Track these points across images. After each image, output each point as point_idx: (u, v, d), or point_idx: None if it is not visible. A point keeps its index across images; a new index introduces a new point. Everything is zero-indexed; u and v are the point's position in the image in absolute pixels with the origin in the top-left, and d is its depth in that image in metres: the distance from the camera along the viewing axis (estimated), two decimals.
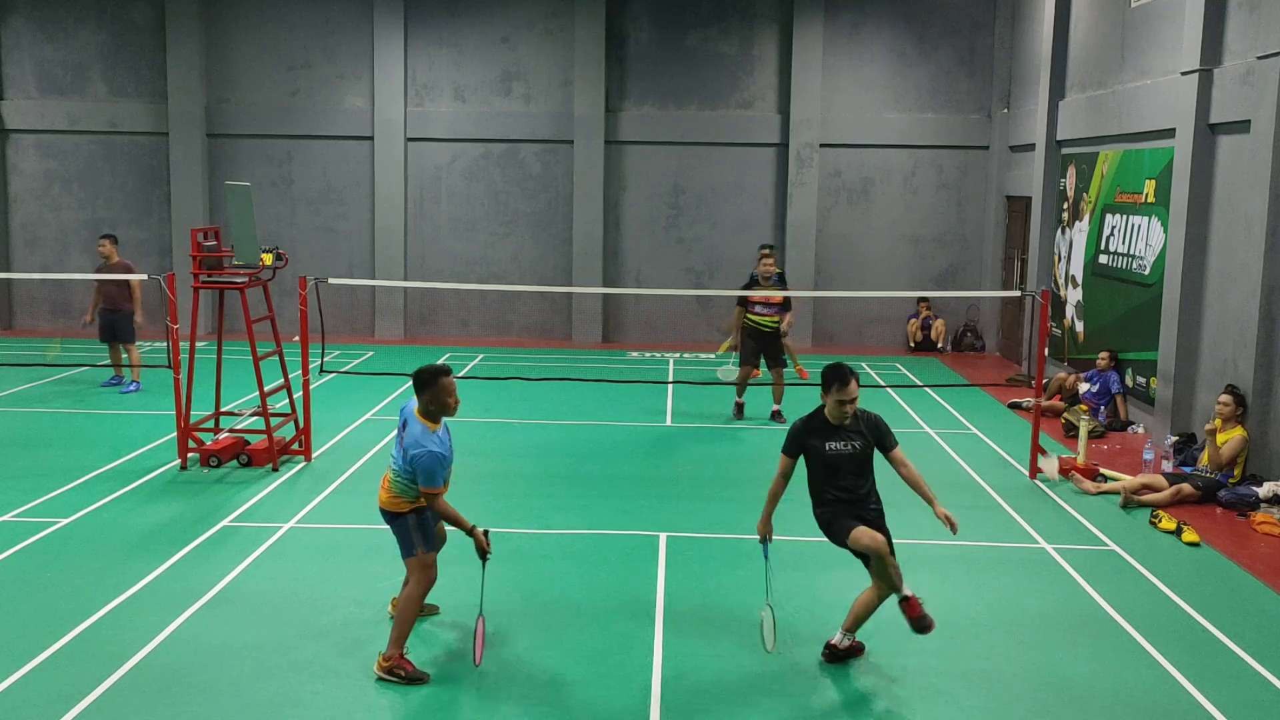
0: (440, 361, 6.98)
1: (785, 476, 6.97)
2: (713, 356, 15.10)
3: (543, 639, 7.25)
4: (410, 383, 6.82)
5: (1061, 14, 16.46)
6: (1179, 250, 12.37)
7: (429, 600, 7.38)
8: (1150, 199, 13.46)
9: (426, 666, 6.74)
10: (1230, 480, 10.56)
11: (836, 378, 6.91)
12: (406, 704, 6.36)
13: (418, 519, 6.78)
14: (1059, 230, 16.66)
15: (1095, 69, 15.43)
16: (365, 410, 13.74)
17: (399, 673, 6.58)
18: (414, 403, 6.73)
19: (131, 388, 15.05)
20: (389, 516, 6.81)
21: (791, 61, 19.79)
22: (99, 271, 15.24)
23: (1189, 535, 9.37)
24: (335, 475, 10.99)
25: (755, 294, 13.29)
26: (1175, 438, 11.84)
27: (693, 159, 20.30)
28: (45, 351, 15.45)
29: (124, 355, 15.28)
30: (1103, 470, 11.40)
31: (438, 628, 7.43)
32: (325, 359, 13.93)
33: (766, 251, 13.98)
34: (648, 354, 18.93)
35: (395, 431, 6.94)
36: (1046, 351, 11.64)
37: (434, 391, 6.61)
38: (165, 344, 14.52)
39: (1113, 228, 14.59)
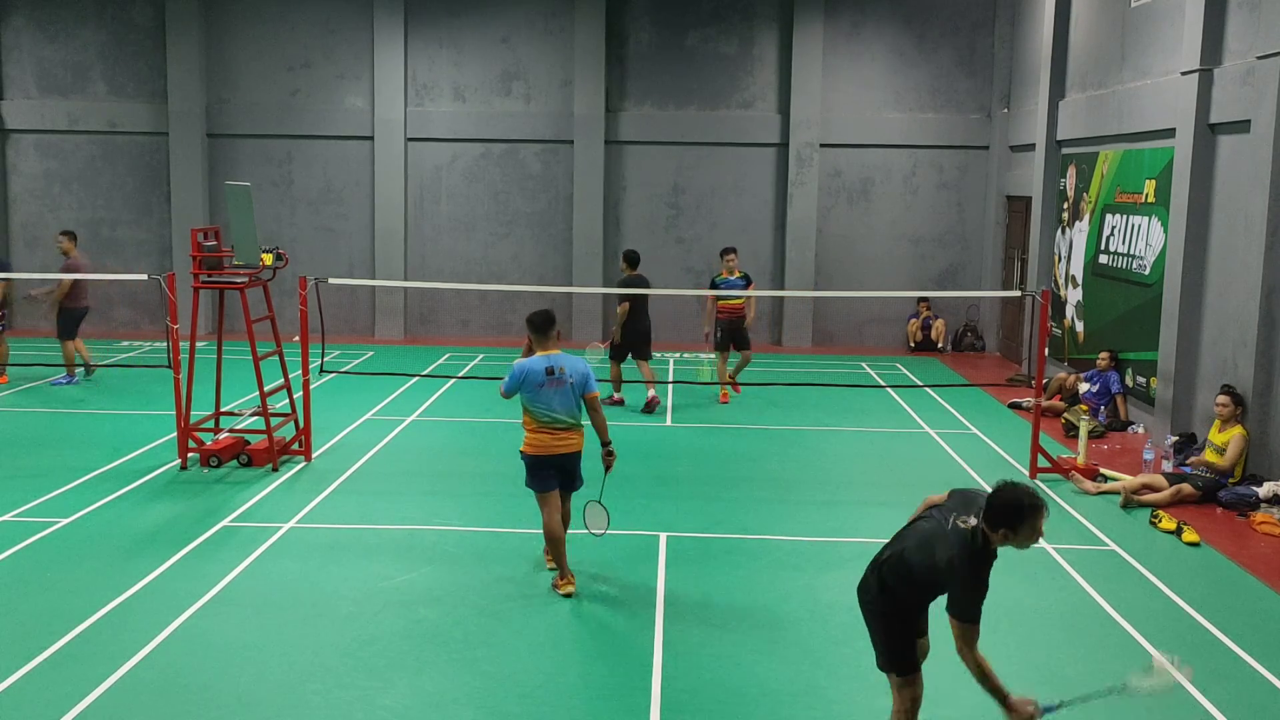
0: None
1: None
2: (713, 356, 15.17)
3: (543, 639, 7.25)
4: (534, 327, 7.86)
5: (1061, 14, 16.46)
6: (1179, 250, 12.37)
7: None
8: (1150, 199, 13.46)
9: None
10: (1230, 480, 10.56)
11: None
12: (407, 704, 6.36)
13: (608, 452, 7.95)
14: (1059, 230, 16.66)
15: (1095, 69, 15.43)
16: (365, 410, 13.74)
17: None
18: (537, 359, 7.74)
19: (62, 381, 15.23)
20: (580, 455, 7.87)
21: (791, 61, 19.79)
22: (67, 269, 15.31)
23: (1189, 535, 9.37)
24: (335, 475, 10.99)
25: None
26: (1175, 438, 11.84)
27: (693, 159, 20.30)
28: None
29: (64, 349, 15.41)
30: (1103, 470, 11.40)
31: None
32: (325, 359, 13.93)
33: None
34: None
35: (540, 386, 7.71)
36: (1046, 351, 11.64)
37: (556, 325, 7.90)
38: (165, 344, 14.52)
39: (1113, 228, 14.59)
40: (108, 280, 15.63)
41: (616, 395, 14.65)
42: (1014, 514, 4.85)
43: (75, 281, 15.36)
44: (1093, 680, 6.76)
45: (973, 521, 5.01)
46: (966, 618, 4.96)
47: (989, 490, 4.99)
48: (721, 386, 14.82)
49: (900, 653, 5.47)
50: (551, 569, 8.26)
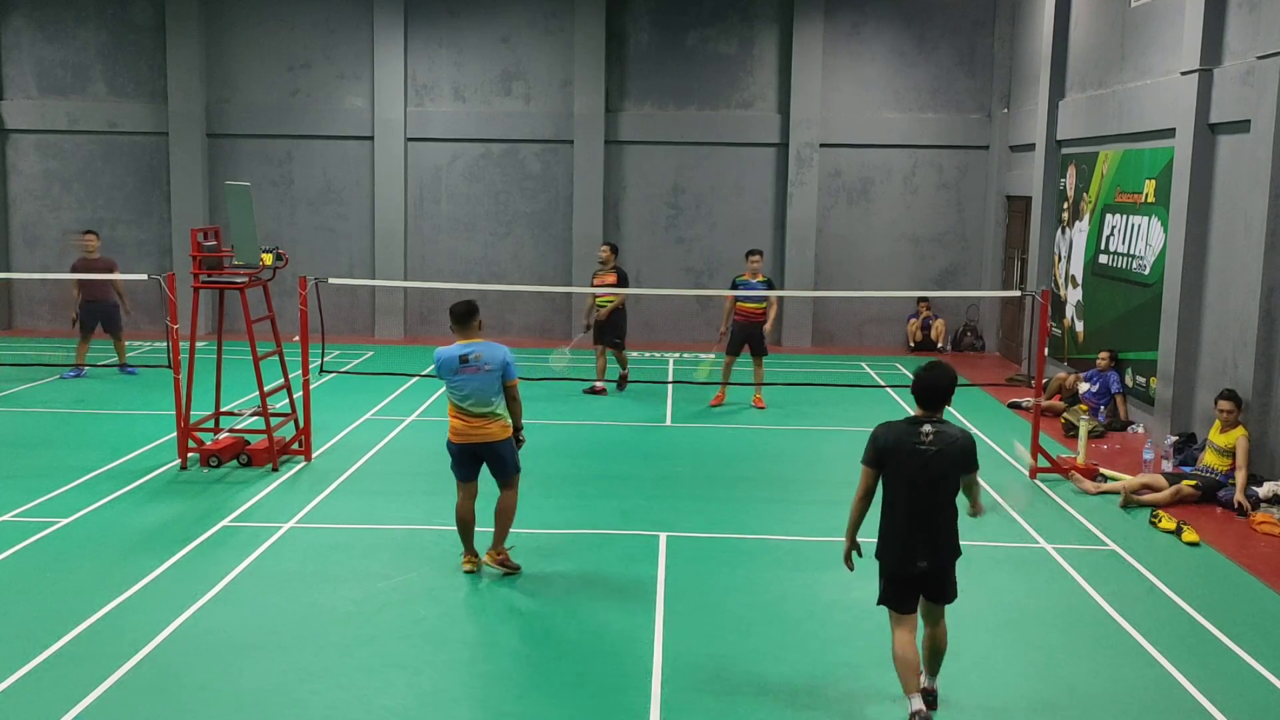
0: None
1: None
2: (713, 356, 15.18)
3: (542, 639, 7.25)
4: (456, 319, 8.11)
5: (1061, 14, 16.46)
6: (1179, 250, 12.37)
7: (454, 550, 8.53)
8: (1150, 199, 13.45)
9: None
10: (1230, 481, 10.55)
11: None
12: (406, 703, 6.36)
13: (513, 441, 8.09)
14: (1059, 230, 16.66)
15: (1095, 69, 15.43)
16: (365, 410, 13.74)
17: (509, 564, 8.17)
18: (453, 348, 7.95)
19: (71, 374, 15.54)
20: (498, 446, 7.97)
21: (791, 61, 19.79)
22: (78, 265, 15.67)
23: (1189, 535, 9.37)
24: (335, 475, 10.99)
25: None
26: (1175, 438, 11.84)
27: (693, 159, 20.30)
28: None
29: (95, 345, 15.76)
30: (1103, 470, 11.40)
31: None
32: (325, 359, 13.93)
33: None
34: (648, 354, 18.91)
35: (455, 373, 7.91)
36: (1046, 351, 11.64)
37: (478, 316, 8.10)
38: (165, 344, 14.54)
39: (1113, 228, 14.59)
40: (107, 280, 15.63)
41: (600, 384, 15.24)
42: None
43: (79, 280, 15.58)
44: (1092, 680, 6.77)
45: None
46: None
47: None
48: (720, 387, 14.66)
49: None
50: (486, 566, 8.32)
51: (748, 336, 14.35)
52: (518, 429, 8.13)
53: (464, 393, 7.90)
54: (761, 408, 14.40)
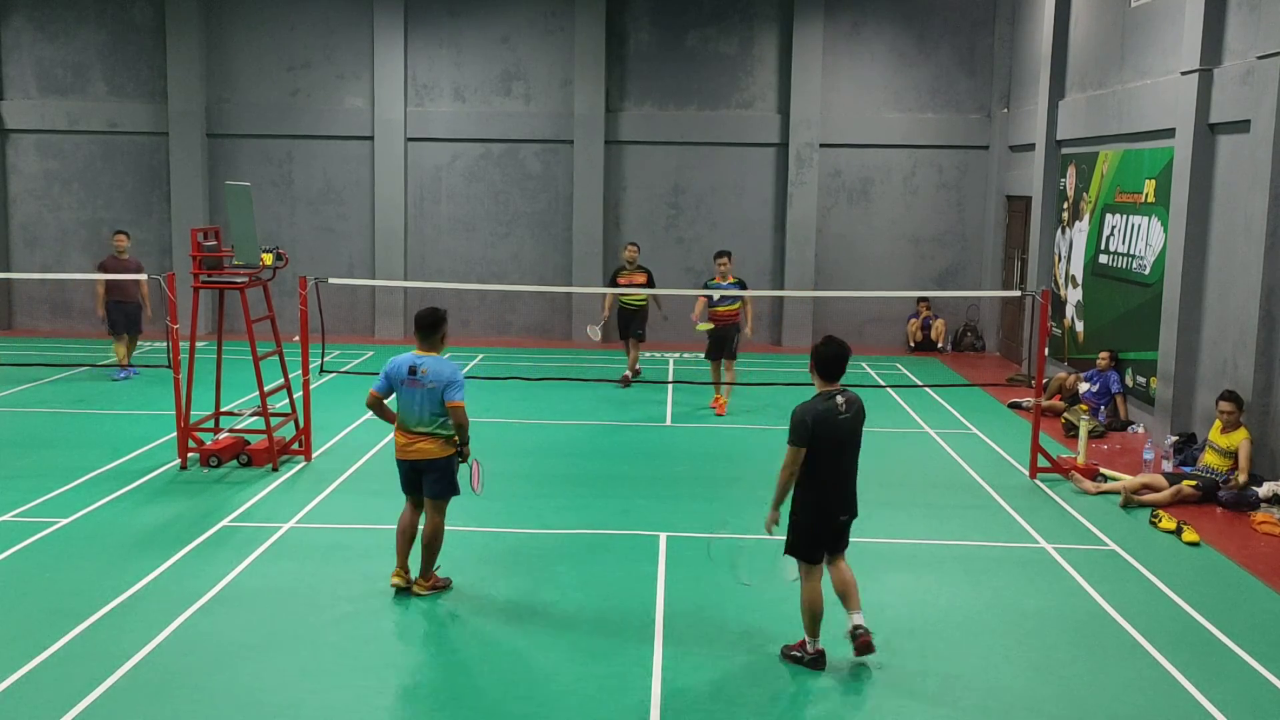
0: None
1: None
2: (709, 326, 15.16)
3: (542, 639, 7.25)
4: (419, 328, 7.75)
5: (1061, 14, 16.46)
6: (1179, 250, 12.37)
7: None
8: (1150, 199, 13.45)
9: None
10: (1231, 481, 10.55)
11: None
12: (406, 704, 6.36)
13: (456, 461, 7.78)
14: (1059, 230, 16.66)
15: (1095, 69, 15.43)
16: (365, 410, 13.70)
17: (440, 586, 7.89)
18: (408, 356, 7.64)
19: (121, 375, 15.53)
20: (436, 464, 7.65)
21: (791, 61, 19.79)
22: (108, 264, 15.62)
23: (1189, 535, 9.37)
24: (335, 475, 10.99)
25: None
26: (1175, 438, 11.84)
27: (693, 159, 20.30)
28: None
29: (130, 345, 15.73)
30: (1103, 470, 11.40)
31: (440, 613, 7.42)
32: (325, 359, 13.93)
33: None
34: (647, 354, 18.91)
35: (402, 383, 7.65)
36: (1046, 351, 11.64)
37: (444, 328, 7.73)
38: (165, 344, 14.54)
39: (1113, 228, 14.59)
40: (133, 281, 15.63)
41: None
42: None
43: (109, 279, 15.56)
44: (1092, 680, 6.77)
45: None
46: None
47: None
48: (716, 395, 14.39)
49: None
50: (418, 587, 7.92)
51: (721, 339, 14.24)
52: (462, 442, 7.76)
53: (404, 406, 7.64)
54: (721, 415, 13.98)
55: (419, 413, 7.59)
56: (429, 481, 7.75)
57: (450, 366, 7.61)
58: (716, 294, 14.11)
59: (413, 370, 7.58)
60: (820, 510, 6.74)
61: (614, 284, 15.66)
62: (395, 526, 8.10)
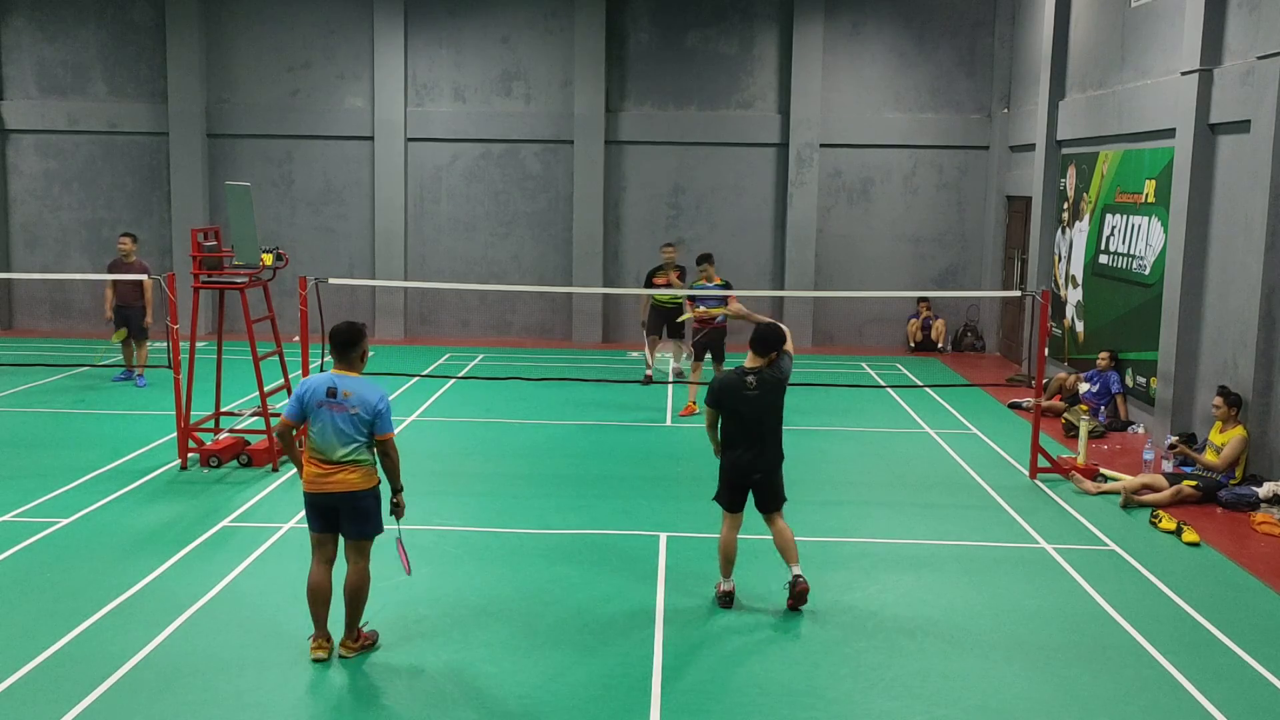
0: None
1: None
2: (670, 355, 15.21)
3: (543, 639, 7.25)
4: (333, 345, 6.86)
5: (1061, 14, 16.46)
6: (1179, 250, 12.37)
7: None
8: (1150, 199, 13.45)
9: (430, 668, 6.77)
10: (1231, 481, 10.56)
11: None
12: (406, 703, 6.36)
13: (377, 493, 6.85)
14: (1059, 230, 16.66)
15: (1095, 69, 15.43)
16: None
17: (368, 643, 6.99)
18: (324, 376, 6.71)
19: (141, 382, 15.33)
20: (358, 498, 6.70)
21: (791, 61, 19.79)
22: (114, 266, 15.44)
23: (1189, 535, 9.37)
24: None
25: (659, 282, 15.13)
26: (1175, 438, 11.83)
27: (693, 159, 20.30)
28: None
29: (134, 350, 15.59)
30: (1103, 470, 11.40)
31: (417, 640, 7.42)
32: (325, 359, 13.91)
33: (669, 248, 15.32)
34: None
35: (319, 405, 6.66)
36: (1046, 351, 11.64)
37: (364, 344, 6.83)
38: (165, 344, 14.54)
39: (1113, 228, 14.59)
40: (136, 285, 15.57)
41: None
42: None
43: (114, 282, 15.40)
44: (1092, 680, 6.77)
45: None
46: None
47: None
48: (691, 401, 14.21)
49: None
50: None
51: (711, 341, 14.14)
52: (396, 489, 6.83)
53: (318, 430, 6.65)
54: (690, 413, 14.03)
55: (338, 439, 6.63)
56: (350, 519, 6.75)
57: (377, 391, 6.70)
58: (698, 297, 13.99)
59: (331, 392, 6.63)
60: (733, 465, 7.68)
61: (649, 284, 15.19)
62: (393, 526, 8.00)
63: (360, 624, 6.95)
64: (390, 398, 6.92)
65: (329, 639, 6.90)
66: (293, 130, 20.34)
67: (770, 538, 7.86)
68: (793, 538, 7.72)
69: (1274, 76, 10.56)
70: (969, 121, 20.05)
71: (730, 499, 7.77)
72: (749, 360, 7.62)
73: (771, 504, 7.76)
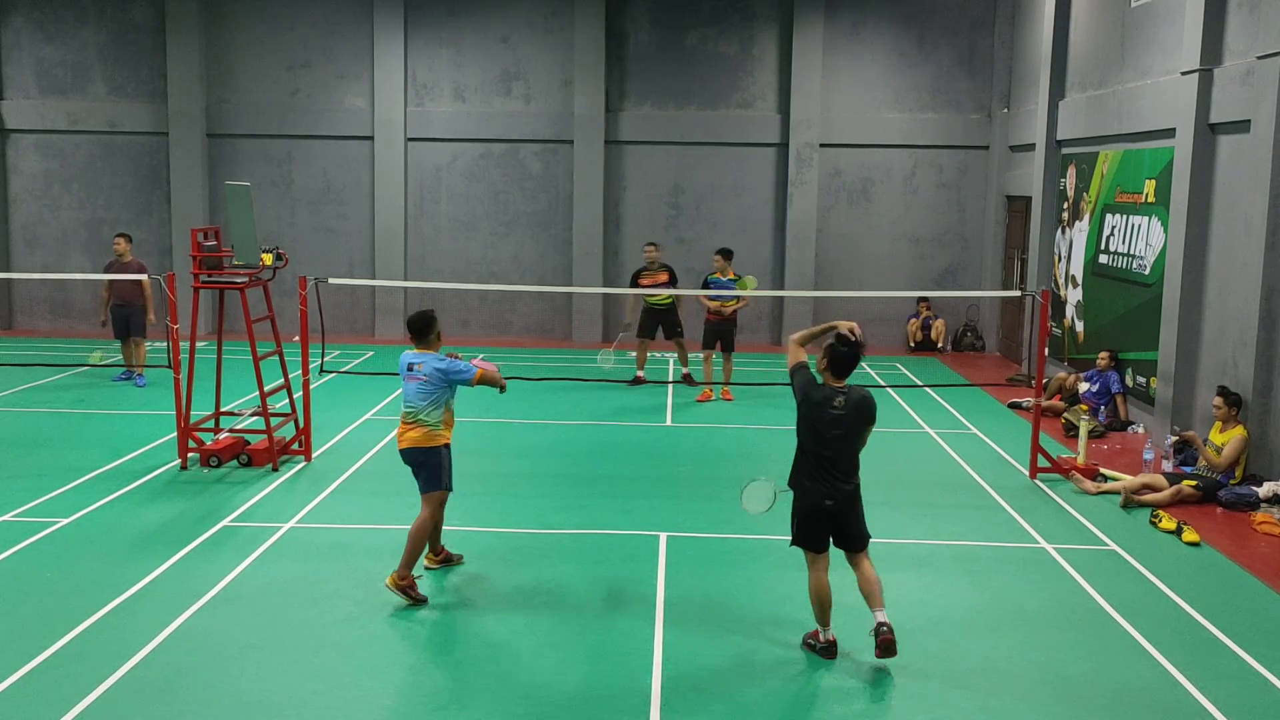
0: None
1: None
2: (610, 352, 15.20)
3: (543, 639, 7.25)
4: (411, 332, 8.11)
5: (1061, 14, 16.46)
6: (1179, 250, 12.37)
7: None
8: (1150, 199, 13.46)
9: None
10: (1231, 481, 10.56)
11: None
12: (407, 704, 6.36)
13: (449, 453, 8.07)
14: (1059, 230, 16.66)
15: (1095, 69, 15.43)
16: (365, 410, 13.73)
17: (411, 592, 7.72)
18: (408, 355, 8.04)
19: (141, 381, 15.32)
20: (422, 454, 7.92)
21: (791, 61, 19.79)
22: (110, 267, 15.40)
23: (1189, 535, 9.37)
24: (335, 475, 10.98)
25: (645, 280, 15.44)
26: (1175, 437, 11.83)
27: (693, 159, 20.30)
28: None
29: (134, 349, 15.59)
30: (1103, 470, 11.40)
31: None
32: (325, 359, 13.93)
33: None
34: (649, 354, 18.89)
35: (404, 381, 8.02)
36: (1046, 351, 11.64)
37: (435, 326, 8.13)
38: (165, 344, 14.55)
39: (1113, 228, 14.59)
40: (134, 284, 15.59)
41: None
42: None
43: (110, 282, 15.41)
44: (1092, 679, 6.77)
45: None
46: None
47: None
48: (705, 386, 14.92)
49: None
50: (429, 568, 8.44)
51: (719, 332, 14.89)
52: (500, 388, 8.47)
53: (407, 398, 8.05)
54: (705, 399, 14.81)
55: (410, 403, 7.97)
56: (419, 475, 8.04)
57: (438, 358, 8.02)
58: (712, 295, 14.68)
59: (410, 367, 8.02)
60: (804, 493, 7.03)
61: (635, 285, 15.60)
62: (394, 526, 8.09)
63: (413, 573, 7.85)
64: (390, 397, 7.37)
65: (437, 553, 8.42)
66: (293, 130, 20.34)
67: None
68: (877, 579, 6.97)
69: (1274, 76, 10.56)
70: (969, 121, 20.05)
71: (807, 536, 7.03)
72: (827, 380, 7.38)
73: (851, 541, 7.03)
